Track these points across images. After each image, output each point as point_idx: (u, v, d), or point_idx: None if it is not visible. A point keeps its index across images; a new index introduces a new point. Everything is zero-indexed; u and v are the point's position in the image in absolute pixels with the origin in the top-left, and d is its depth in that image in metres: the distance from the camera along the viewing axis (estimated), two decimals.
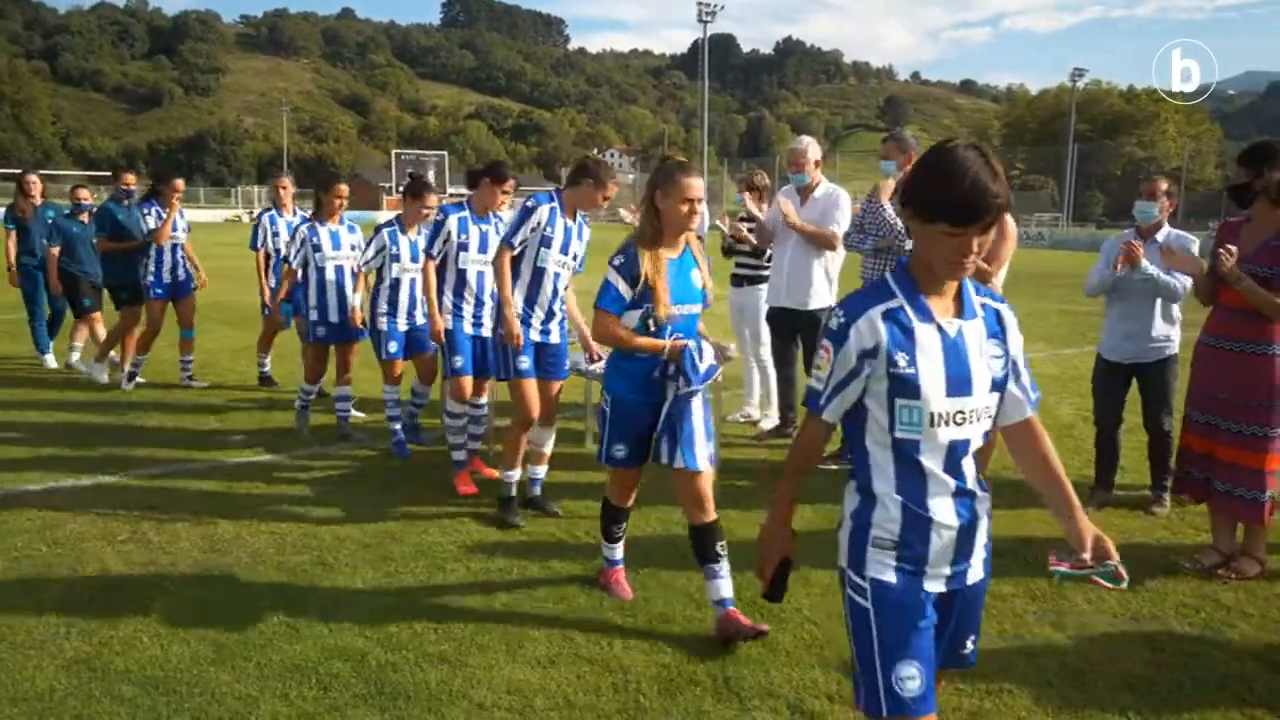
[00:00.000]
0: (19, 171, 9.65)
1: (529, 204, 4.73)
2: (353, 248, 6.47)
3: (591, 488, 5.31)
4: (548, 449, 5.07)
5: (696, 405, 3.60)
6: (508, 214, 5.56)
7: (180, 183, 8.23)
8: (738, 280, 7.18)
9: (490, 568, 4.30)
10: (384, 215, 37.92)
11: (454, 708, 3.13)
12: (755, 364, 7.21)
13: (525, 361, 4.74)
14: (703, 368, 3.54)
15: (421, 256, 5.60)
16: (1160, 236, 5.05)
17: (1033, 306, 16.14)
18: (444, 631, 3.66)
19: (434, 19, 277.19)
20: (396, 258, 5.96)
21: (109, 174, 10.17)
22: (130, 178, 8.71)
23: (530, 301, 4.80)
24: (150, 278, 7.93)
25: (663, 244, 3.64)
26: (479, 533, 4.77)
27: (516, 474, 4.93)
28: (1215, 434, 4.37)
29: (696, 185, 3.55)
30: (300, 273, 6.57)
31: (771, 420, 7.04)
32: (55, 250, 8.49)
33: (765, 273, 6.81)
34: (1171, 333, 5.12)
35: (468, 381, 5.47)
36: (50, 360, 9.08)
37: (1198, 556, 4.48)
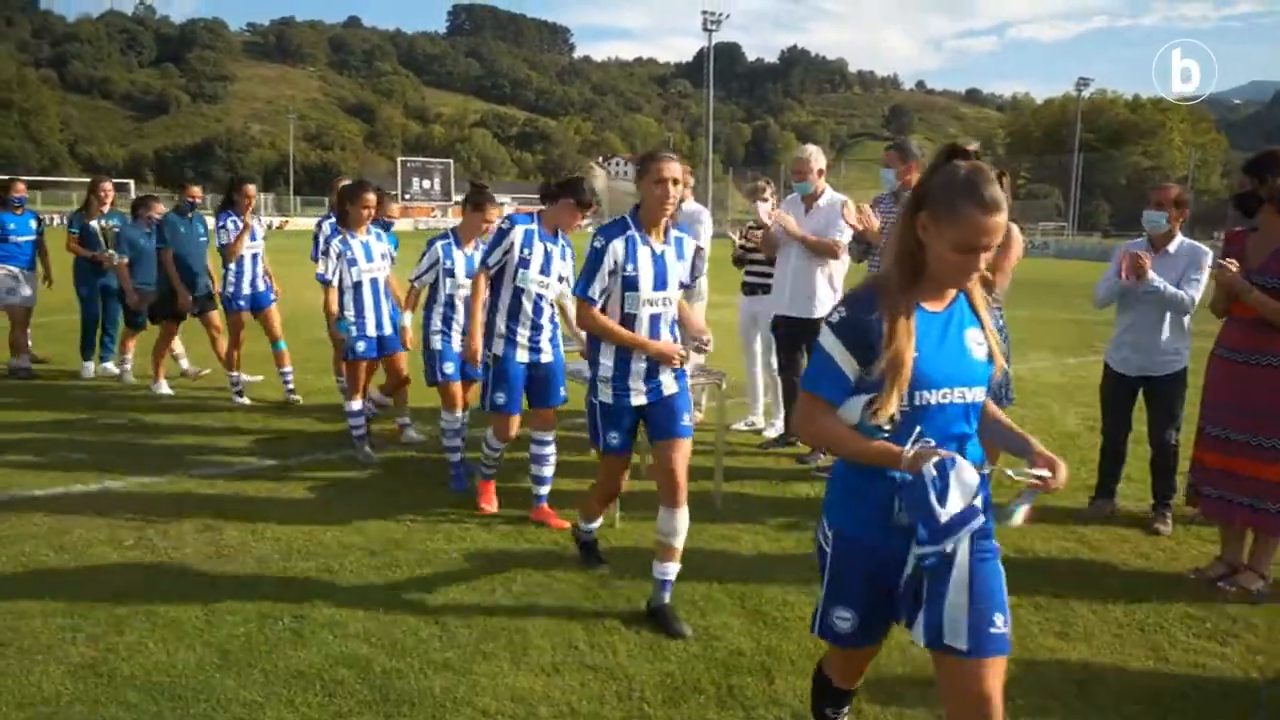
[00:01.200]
0: (92, 178, 9.61)
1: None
2: (383, 256, 6.21)
3: None
4: (678, 541, 3.85)
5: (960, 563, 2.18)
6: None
7: (252, 189, 8.05)
8: (749, 289, 7.20)
9: (495, 576, 4.30)
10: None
11: (458, 715, 3.13)
12: (763, 372, 7.22)
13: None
14: (950, 510, 2.05)
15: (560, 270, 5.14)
16: (1172, 247, 4.95)
17: (1038, 315, 16.13)
18: (449, 639, 3.67)
19: (440, 27, 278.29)
20: (451, 273, 5.53)
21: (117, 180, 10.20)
22: (196, 190, 8.88)
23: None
24: (230, 289, 7.81)
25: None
26: (484, 541, 4.78)
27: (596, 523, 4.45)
28: (1233, 449, 4.30)
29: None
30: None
31: (776, 429, 7.05)
32: (125, 261, 8.46)
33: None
34: (1181, 345, 5.01)
35: (512, 421, 5.00)
36: (89, 369, 8.98)
37: (1203, 567, 4.47)
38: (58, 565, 4.32)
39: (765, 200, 6.92)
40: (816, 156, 6.38)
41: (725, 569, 4.39)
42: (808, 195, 6.33)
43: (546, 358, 4.99)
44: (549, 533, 4.90)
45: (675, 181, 3.70)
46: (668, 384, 3.89)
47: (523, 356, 4.92)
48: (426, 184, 78.74)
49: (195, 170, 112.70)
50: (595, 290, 3.78)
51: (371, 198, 6.19)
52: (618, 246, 3.77)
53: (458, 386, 5.59)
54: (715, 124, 71.70)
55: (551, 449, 5.01)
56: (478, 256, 5.34)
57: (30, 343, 9.11)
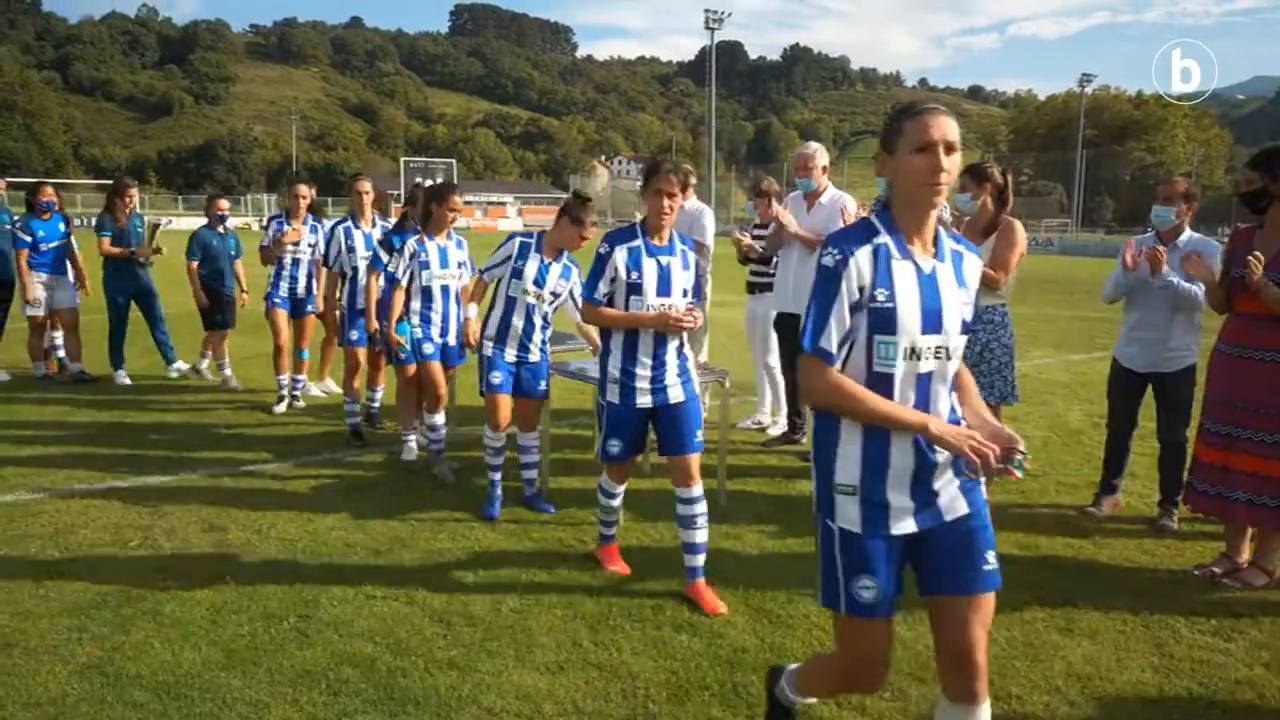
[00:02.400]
0: (116, 180, 9.39)
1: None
2: (459, 265, 5.87)
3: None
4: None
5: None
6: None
7: (304, 188, 7.80)
8: (752, 288, 7.20)
9: (499, 574, 4.31)
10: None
11: (463, 713, 3.14)
12: (767, 371, 7.22)
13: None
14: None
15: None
16: (1181, 241, 4.92)
17: (1042, 312, 16.12)
18: (453, 638, 3.67)
19: (442, 27, 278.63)
20: (519, 274, 5.00)
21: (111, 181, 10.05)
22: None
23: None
24: (269, 288, 7.76)
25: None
26: (488, 540, 4.79)
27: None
28: (1233, 444, 4.29)
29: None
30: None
31: (780, 426, 7.05)
32: (195, 264, 8.45)
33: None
34: (1190, 340, 4.98)
35: (620, 470, 4.26)
36: (123, 377, 8.75)
37: (1207, 564, 4.46)
38: (63, 565, 4.33)
39: (761, 195, 6.91)
40: (820, 153, 6.38)
41: (729, 567, 4.39)
42: (810, 192, 6.32)
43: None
44: (553, 531, 4.91)
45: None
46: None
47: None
48: (429, 184, 78.83)
49: (198, 171, 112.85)
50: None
51: (458, 200, 5.95)
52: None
53: (505, 400, 5.10)
54: (718, 122, 71.64)
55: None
56: (555, 271, 5.05)
57: (59, 348, 9.05)
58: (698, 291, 4.16)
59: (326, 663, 3.45)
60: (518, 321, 5.04)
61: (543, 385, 5.20)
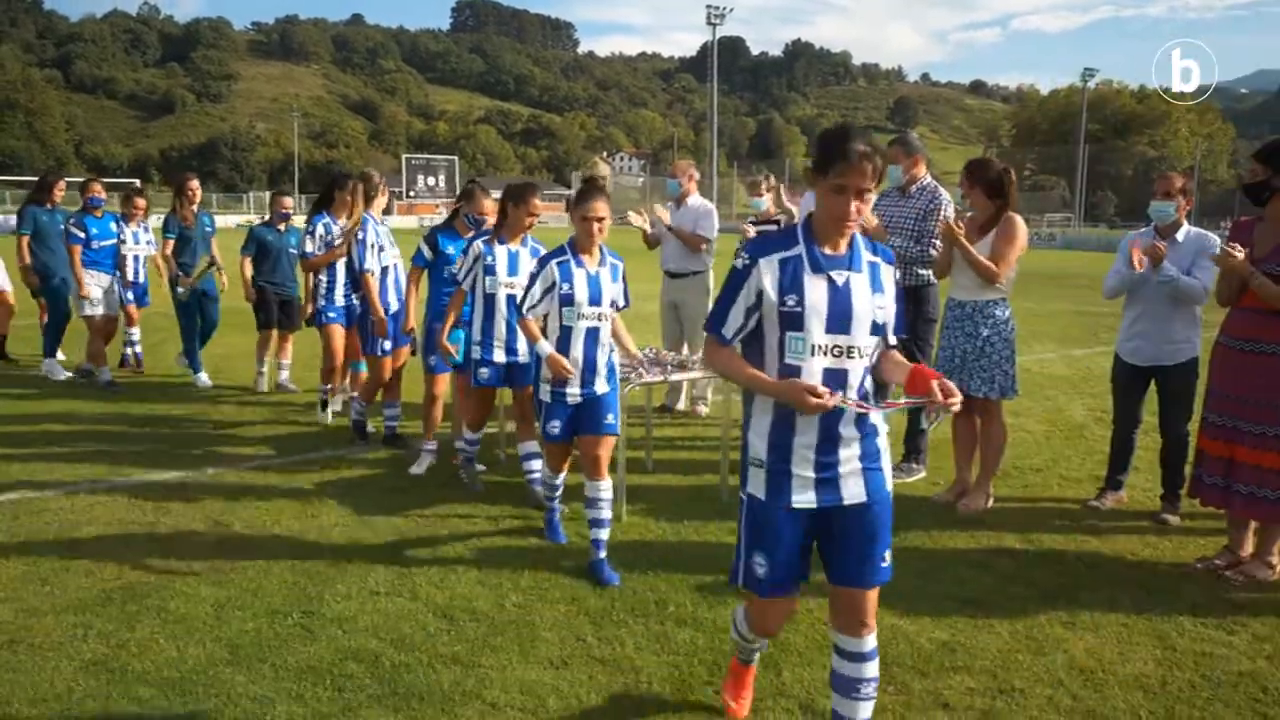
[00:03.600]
0: (177, 177, 8.92)
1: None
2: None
3: None
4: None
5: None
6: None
7: (357, 185, 6.59)
8: None
9: (502, 569, 4.32)
10: (396, 220, 38.16)
11: (468, 708, 3.15)
12: None
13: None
14: None
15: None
16: (1180, 236, 4.92)
17: (1044, 307, 16.10)
18: (457, 633, 3.68)
19: (443, 24, 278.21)
20: (570, 300, 4.31)
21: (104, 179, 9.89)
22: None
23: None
24: (323, 300, 6.91)
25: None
26: (491, 535, 4.80)
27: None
28: (1235, 436, 4.30)
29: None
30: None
31: None
32: (248, 259, 8.10)
33: None
34: (1192, 334, 4.98)
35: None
36: (204, 379, 8.43)
37: (1210, 557, 4.46)
38: (68, 563, 4.34)
39: (762, 196, 6.92)
40: None
41: (731, 561, 4.39)
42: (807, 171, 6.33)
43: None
44: None
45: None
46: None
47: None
48: (431, 181, 79.22)
49: (201, 169, 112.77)
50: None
51: (539, 204, 5.16)
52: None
53: (567, 450, 4.50)
54: (719, 118, 71.65)
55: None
56: (606, 275, 4.37)
57: (136, 344, 9.00)
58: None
59: (331, 658, 3.46)
60: (578, 354, 4.29)
61: (610, 419, 4.39)
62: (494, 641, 3.62)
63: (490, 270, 5.09)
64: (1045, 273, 23.98)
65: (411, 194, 74.13)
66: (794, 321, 2.51)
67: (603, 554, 4.28)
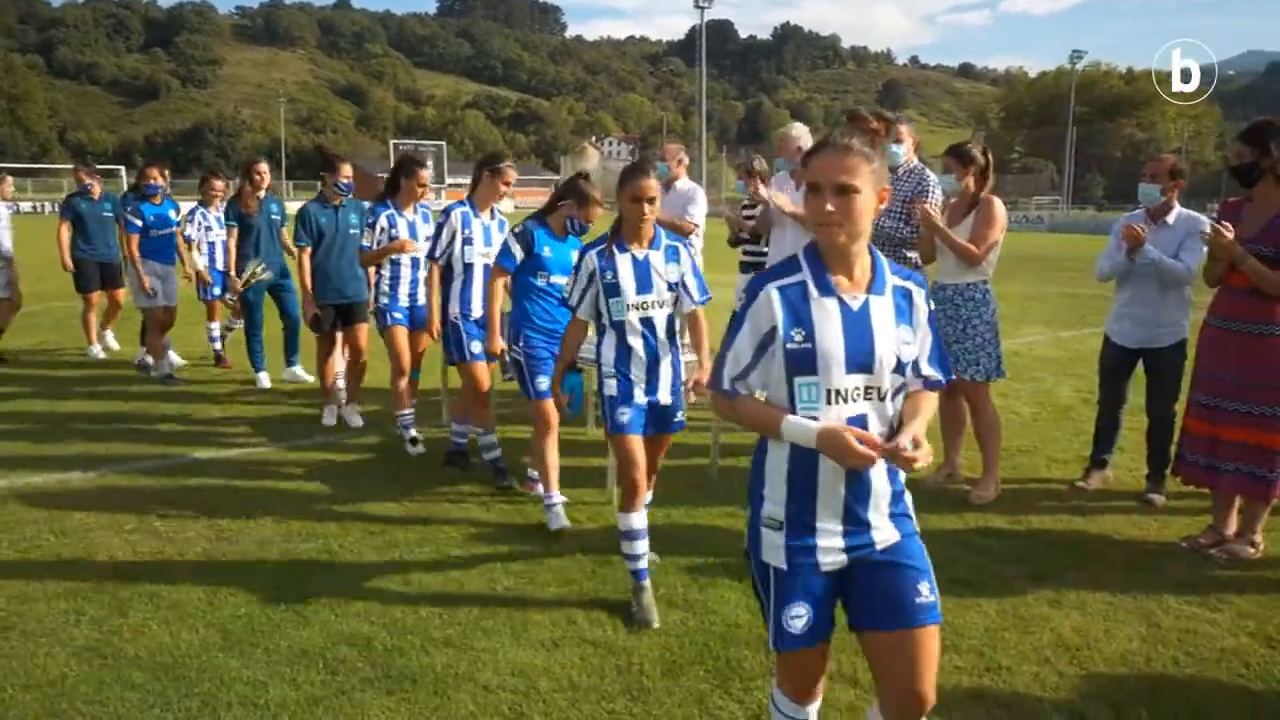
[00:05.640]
0: (247, 161, 7.97)
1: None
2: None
3: (594, 472, 5.36)
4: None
5: None
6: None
7: (425, 174, 6.06)
8: (745, 267, 7.23)
9: (494, 553, 4.34)
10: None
11: (460, 690, 3.17)
12: None
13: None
14: None
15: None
16: (1170, 218, 4.94)
17: (1033, 289, 16.17)
18: (449, 616, 3.70)
19: (430, 8, 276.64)
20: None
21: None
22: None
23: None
24: (385, 299, 5.98)
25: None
26: (482, 519, 4.81)
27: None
28: (1220, 416, 4.33)
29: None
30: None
31: None
32: (305, 251, 6.41)
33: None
34: (1181, 316, 5.00)
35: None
36: (264, 380, 7.88)
37: (1195, 536, 4.51)
38: (60, 550, 4.35)
39: (752, 174, 6.92)
40: (804, 137, 6.38)
41: (722, 543, 4.43)
42: (795, 172, 6.33)
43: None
44: None
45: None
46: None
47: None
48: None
49: (186, 155, 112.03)
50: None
51: (651, 185, 3.88)
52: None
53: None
54: (708, 102, 71.40)
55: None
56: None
57: (216, 340, 8.69)
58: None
59: (324, 642, 3.48)
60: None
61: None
62: (486, 624, 3.64)
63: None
64: (1033, 255, 24.04)
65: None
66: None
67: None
